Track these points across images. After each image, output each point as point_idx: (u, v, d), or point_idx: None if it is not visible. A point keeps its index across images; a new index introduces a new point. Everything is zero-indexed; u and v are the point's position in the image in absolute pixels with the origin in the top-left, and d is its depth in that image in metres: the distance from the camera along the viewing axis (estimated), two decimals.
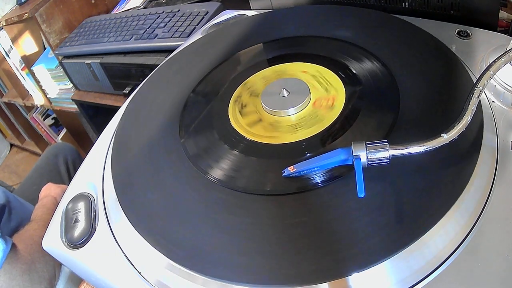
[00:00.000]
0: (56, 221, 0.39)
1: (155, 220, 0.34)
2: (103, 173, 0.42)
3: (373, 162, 0.29)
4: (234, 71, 0.48)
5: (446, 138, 0.28)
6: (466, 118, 0.29)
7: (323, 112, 0.38)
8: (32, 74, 1.26)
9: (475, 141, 0.31)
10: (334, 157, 0.31)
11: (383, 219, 0.28)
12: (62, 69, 1.03)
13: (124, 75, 0.81)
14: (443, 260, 0.26)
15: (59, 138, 1.61)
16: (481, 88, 0.31)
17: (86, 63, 0.88)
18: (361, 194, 0.27)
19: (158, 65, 0.55)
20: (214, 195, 0.34)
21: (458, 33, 0.42)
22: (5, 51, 1.35)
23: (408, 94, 0.37)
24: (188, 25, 0.74)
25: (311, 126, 0.37)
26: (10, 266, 0.51)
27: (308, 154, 0.34)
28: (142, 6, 0.98)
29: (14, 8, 1.20)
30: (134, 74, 0.78)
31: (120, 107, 0.52)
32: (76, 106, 1.08)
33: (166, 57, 0.69)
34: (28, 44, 1.27)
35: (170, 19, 0.79)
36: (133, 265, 0.33)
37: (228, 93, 0.45)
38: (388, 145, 0.29)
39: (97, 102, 0.95)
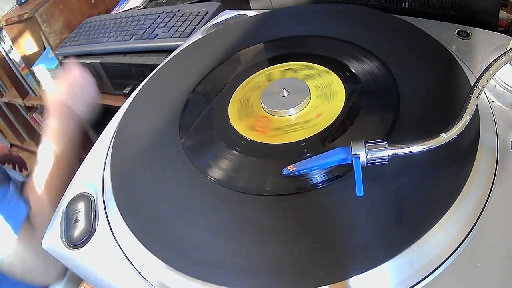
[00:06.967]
0: (56, 221, 0.39)
1: (154, 222, 0.34)
2: (103, 173, 0.42)
3: (372, 161, 0.29)
4: (234, 71, 0.48)
5: (445, 137, 0.28)
6: (466, 118, 0.29)
7: (323, 112, 0.38)
8: (32, 74, 1.26)
9: (475, 141, 0.31)
10: (333, 156, 0.31)
11: (383, 220, 0.28)
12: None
13: (124, 75, 0.81)
14: (443, 260, 0.26)
15: None
16: (480, 88, 0.31)
17: (86, 63, 0.88)
18: (360, 193, 0.27)
19: (158, 65, 0.55)
20: (214, 196, 0.34)
21: (458, 33, 0.42)
22: (5, 51, 1.36)
23: (408, 93, 0.37)
24: (188, 25, 0.74)
25: (311, 126, 0.37)
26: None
27: (308, 154, 0.34)
28: (142, 6, 0.98)
29: (14, 8, 1.20)
30: (134, 74, 0.78)
31: (120, 107, 0.52)
32: None
33: (166, 57, 0.69)
34: (28, 44, 1.27)
35: (170, 19, 0.79)
36: (133, 265, 0.33)
37: (228, 93, 0.45)
38: (387, 145, 0.29)
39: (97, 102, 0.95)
